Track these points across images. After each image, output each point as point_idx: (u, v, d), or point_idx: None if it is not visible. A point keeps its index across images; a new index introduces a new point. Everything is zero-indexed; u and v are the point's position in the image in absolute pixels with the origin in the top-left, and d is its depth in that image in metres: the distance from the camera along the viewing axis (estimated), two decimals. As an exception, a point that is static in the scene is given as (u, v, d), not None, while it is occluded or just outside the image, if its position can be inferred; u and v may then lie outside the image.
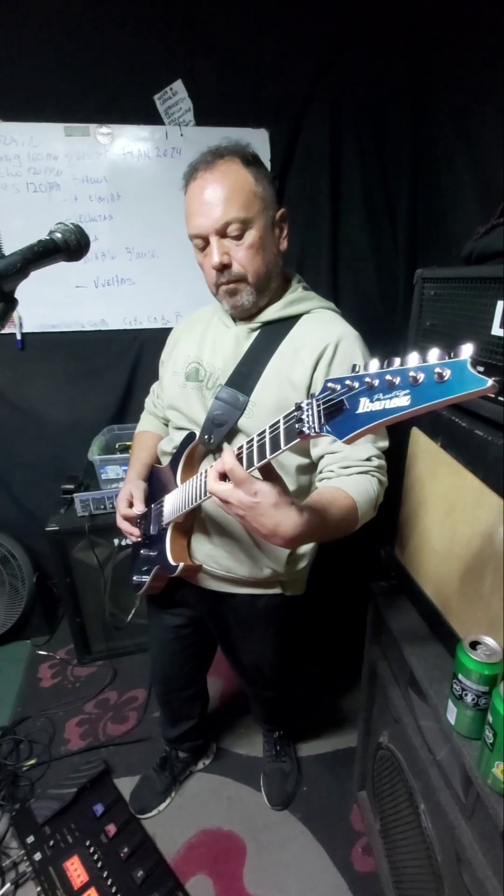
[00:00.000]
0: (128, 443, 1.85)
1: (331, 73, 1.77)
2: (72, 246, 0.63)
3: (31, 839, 1.27)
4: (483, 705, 0.72)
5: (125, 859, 1.23)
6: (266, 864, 1.28)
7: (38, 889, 1.17)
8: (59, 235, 0.62)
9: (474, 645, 0.75)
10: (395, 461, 0.98)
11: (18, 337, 1.84)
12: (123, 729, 1.64)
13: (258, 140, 1.77)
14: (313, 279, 1.92)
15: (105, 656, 1.89)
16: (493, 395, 0.76)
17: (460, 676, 0.74)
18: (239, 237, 0.85)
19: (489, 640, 0.75)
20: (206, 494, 0.82)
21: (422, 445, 0.98)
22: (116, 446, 1.86)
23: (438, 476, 0.92)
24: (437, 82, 1.72)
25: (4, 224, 1.73)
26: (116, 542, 1.76)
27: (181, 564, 0.96)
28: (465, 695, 0.74)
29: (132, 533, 1.07)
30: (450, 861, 0.80)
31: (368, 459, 0.85)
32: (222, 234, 0.84)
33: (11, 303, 0.58)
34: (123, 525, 1.08)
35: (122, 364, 1.96)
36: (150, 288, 1.90)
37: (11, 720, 1.66)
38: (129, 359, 1.95)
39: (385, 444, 0.90)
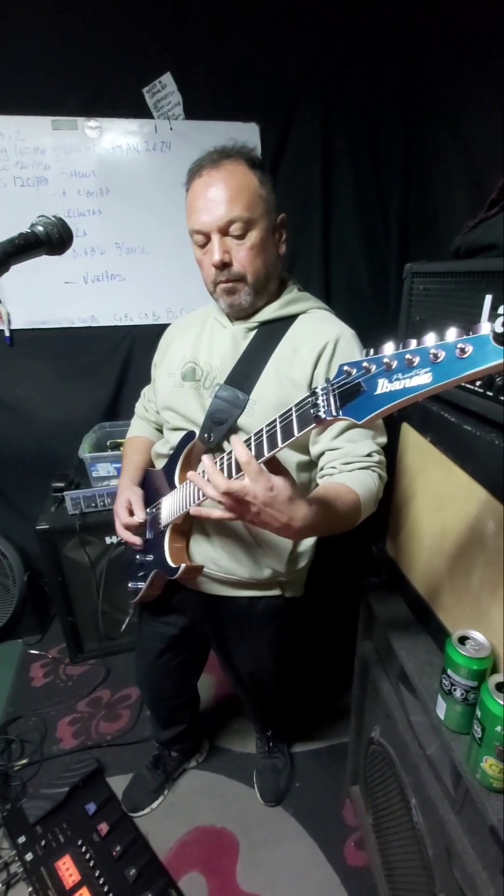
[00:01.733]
0: (119, 440, 1.83)
1: (322, 67, 1.76)
2: (54, 239, 0.62)
3: (22, 839, 1.26)
4: (472, 700, 0.72)
5: (117, 858, 1.22)
6: (259, 861, 1.28)
7: (30, 889, 1.16)
8: (40, 228, 0.60)
9: (463, 640, 0.75)
10: (387, 457, 0.98)
11: (7, 334, 1.82)
12: (116, 727, 1.63)
13: (249, 134, 1.76)
14: (305, 274, 1.92)
15: (98, 655, 1.88)
16: (482, 390, 0.76)
17: (449, 671, 0.74)
18: (241, 237, 0.85)
19: (478, 635, 0.75)
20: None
21: (412, 441, 0.98)
22: (107, 444, 1.85)
23: (428, 472, 0.92)
24: (428, 78, 1.72)
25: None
26: (108, 540, 1.75)
27: (182, 566, 0.94)
28: (454, 690, 0.74)
29: (135, 542, 1.04)
30: (440, 855, 0.81)
31: (369, 455, 0.86)
32: (225, 232, 0.85)
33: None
34: (125, 534, 1.05)
35: (113, 361, 1.94)
36: (141, 284, 1.89)
37: (3, 720, 1.65)
38: (120, 355, 1.94)
39: (384, 439, 0.90)
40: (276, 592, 1.03)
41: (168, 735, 1.38)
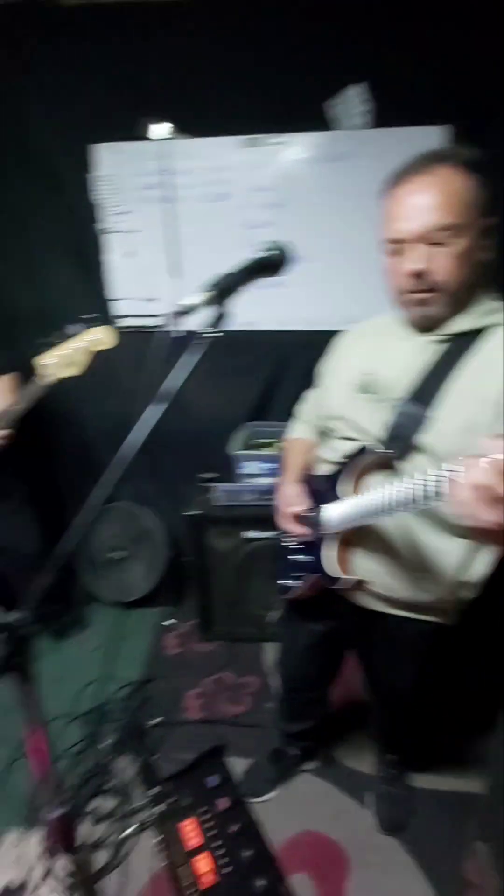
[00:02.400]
0: (267, 440, 1.92)
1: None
2: (278, 265, 0.67)
3: (154, 791, 1.39)
4: None
5: (234, 835, 1.29)
6: (370, 885, 1.25)
7: (160, 837, 1.28)
8: (270, 254, 0.66)
9: None
10: None
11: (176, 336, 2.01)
12: (238, 711, 1.72)
13: (440, 139, 1.69)
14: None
15: (225, 637, 2.00)
16: None
17: None
18: (445, 245, 0.81)
19: None
20: (421, 501, 0.71)
21: None
22: (256, 442, 1.94)
23: None
24: None
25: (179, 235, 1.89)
26: (244, 535, 1.84)
27: (345, 578, 0.95)
28: None
29: (299, 532, 1.06)
30: None
31: None
32: (427, 240, 0.82)
33: (225, 313, 0.64)
34: (290, 525, 1.07)
35: (268, 364, 2.03)
36: (301, 292, 1.93)
37: (141, 678, 1.84)
38: (275, 360, 2.02)
39: None
40: (431, 618, 0.99)
41: (295, 728, 1.42)
